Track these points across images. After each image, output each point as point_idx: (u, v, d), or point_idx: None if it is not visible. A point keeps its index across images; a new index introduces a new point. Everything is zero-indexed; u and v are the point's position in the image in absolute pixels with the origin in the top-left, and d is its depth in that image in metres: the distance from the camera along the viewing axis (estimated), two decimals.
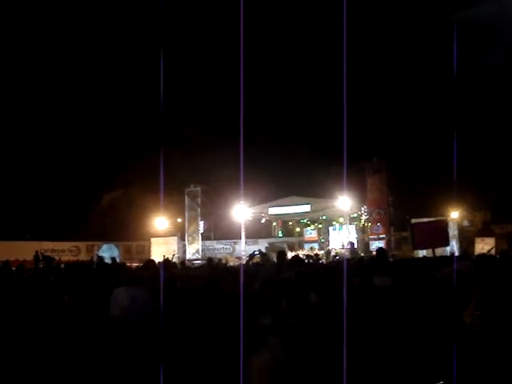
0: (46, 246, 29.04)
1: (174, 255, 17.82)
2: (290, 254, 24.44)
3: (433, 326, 4.54)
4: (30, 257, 22.43)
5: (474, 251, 23.75)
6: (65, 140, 35.72)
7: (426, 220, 16.32)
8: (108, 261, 17.82)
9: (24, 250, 25.56)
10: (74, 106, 36.14)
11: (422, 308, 4.92)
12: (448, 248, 17.42)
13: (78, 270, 7.68)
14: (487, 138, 33.48)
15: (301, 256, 26.36)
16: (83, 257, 30.10)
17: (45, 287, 6.22)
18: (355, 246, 31.54)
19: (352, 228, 34.19)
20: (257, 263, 11.05)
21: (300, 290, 4.75)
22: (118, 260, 25.74)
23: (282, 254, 10.10)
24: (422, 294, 5.25)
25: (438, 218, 16.35)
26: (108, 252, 29.95)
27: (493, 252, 22.24)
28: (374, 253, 25.32)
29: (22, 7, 30.31)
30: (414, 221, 22.06)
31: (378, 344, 4.37)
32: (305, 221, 37.70)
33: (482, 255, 16.12)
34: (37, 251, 22.13)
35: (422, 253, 21.99)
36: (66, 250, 32.23)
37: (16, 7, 29.47)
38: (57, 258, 17.41)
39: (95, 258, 17.75)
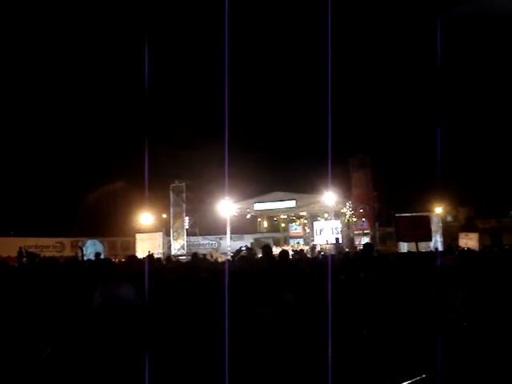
0: (30, 243, 28.87)
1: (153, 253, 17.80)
2: (275, 250, 24.54)
3: (417, 319, 4.58)
4: (14, 253, 22.27)
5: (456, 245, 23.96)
6: (50, 136, 35.47)
7: (409, 215, 16.49)
8: (92, 256, 17.73)
9: (8, 247, 25.36)
10: (59, 101, 35.89)
11: (407, 301, 4.97)
12: (431, 244, 17.61)
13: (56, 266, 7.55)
14: (471, 134, 33.72)
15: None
16: (68, 253, 29.90)
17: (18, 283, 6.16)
18: (340, 241, 31.66)
19: (337, 223, 34.28)
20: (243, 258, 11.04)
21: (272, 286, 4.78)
22: (102, 256, 25.65)
23: (266, 248, 10.06)
24: (406, 288, 5.29)
25: (421, 214, 16.61)
26: (92, 248, 29.83)
27: (476, 246, 22.55)
28: (360, 248, 25.52)
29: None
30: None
31: (361, 336, 4.40)
32: (290, 216, 37.76)
33: (463, 250, 16.37)
34: (20, 247, 22.02)
35: (404, 248, 22.25)
36: (50, 246, 32.05)
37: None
38: (41, 255, 17.35)
39: (79, 253, 17.68)
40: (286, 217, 38.20)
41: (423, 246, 19.48)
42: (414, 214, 15.01)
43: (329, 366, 3.33)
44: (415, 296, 5.07)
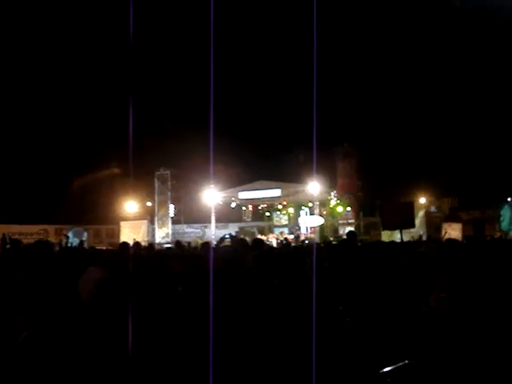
0: (14, 230, 28.73)
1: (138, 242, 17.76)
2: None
3: (398, 306, 4.63)
4: None
5: (440, 237, 24.17)
6: (34, 122, 35.18)
7: (394, 201, 16.59)
8: (76, 244, 17.74)
9: None
10: (44, 88, 35.58)
11: (389, 288, 5.02)
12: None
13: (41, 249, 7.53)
14: (455, 125, 33.92)
15: (270, 239, 26.53)
16: (52, 240, 29.74)
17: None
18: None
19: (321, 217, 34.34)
20: (227, 246, 11.10)
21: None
22: (85, 244, 25.60)
23: (243, 241, 10.08)
24: (388, 275, 5.35)
25: (406, 201, 16.71)
26: (75, 236, 29.70)
27: (459, 237, 22.75)
28: (344, 237, 25.70)
29: None
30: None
31: (343, 323, 4.45)
32: (275, 205, 37.77)
33: (449, 240, 16.52)
34: (4, 234, 21.86)
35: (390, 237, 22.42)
36: (34, 234, 31.87)
37: None
38: (24, 242, 17.26)
39: (64, 240, 17.66)
40: (270, 205, 38.19)
41: (409, 236, 19.74)
42: (398, 201, 15.13)
43: (313, 351, 3.37)
44: (397, 283, 5.13)
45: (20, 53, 33.94)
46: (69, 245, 18.09)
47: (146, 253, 12.28)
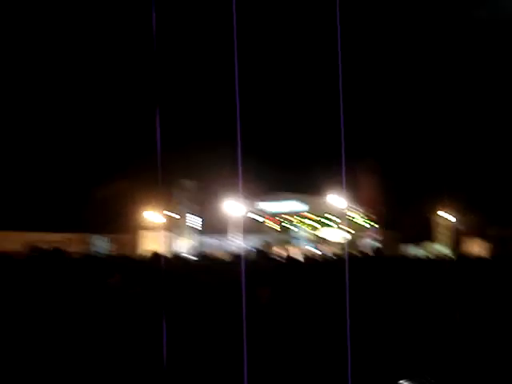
0: (36, 238, 28.87)
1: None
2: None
3: (419, 320, 4.63)
4: (18, 247, 22.18)
5: (462, 251, 24.01)
6: (59, 132, 35.51)
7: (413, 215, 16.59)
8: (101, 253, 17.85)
9: (13, 240, 25.34)
10: (69, 95, 35.96)
11: (410, 303, 5.02)
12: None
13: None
14: (479, 140, 33.66)
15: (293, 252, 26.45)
16: (74, 249, 29.85)
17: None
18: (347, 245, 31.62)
19: (344, 227, 34.18)
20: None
21: None
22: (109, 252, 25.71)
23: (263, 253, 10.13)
24: (410, 290, 5.35)
25: (425, 215, 16.67)
26: (99, 244, 29.88)
27: (482, 253, 22.55)
28: (367, 252, 25.56)
29: None
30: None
31: (364, 335, 4.45)
32: (297, 218, 37.64)
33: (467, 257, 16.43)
34: (29, 242, 22.05)
35: (411, 251, 22.32)
36: (57, 242, 31.92)
37: None
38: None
39: (89, 248, 17.87)
40: (292, 218, 38.03)
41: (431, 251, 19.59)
42: (417, 215, 15.14)
43: (349, 363, 3.37)
44: (418, 298, 5.13)
45: (48, 61, 34.37)
46: (94, 254, 18.27)
47: (176, 263, 12.25)
